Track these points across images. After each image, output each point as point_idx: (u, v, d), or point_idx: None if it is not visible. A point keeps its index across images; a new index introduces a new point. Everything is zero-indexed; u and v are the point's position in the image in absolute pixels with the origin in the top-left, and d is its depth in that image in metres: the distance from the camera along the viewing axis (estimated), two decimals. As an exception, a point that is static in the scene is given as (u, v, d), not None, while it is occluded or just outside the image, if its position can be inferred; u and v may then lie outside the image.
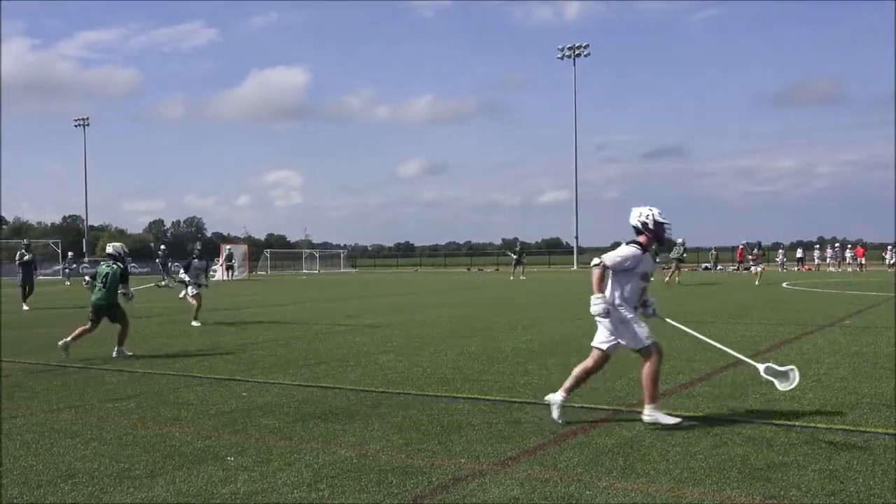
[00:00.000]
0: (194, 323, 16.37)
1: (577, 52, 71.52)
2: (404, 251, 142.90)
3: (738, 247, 58.12)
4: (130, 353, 11.69)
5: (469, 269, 77.48)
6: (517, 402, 7.92)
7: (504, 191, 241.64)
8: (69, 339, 11.58)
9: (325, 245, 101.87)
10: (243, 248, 62.41)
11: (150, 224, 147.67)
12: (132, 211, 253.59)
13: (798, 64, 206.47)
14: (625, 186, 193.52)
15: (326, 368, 10.32)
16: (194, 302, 16.81)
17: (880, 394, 8.10)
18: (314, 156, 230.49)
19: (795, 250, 63.87)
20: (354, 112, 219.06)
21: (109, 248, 12.42)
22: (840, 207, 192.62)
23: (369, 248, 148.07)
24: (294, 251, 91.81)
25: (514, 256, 48.20)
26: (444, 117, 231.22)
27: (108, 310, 11.78)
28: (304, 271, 76.01)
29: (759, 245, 38.23)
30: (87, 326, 11.76)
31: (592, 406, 7.63)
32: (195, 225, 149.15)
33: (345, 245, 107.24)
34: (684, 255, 38.24)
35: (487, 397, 8.19)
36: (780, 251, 62.05)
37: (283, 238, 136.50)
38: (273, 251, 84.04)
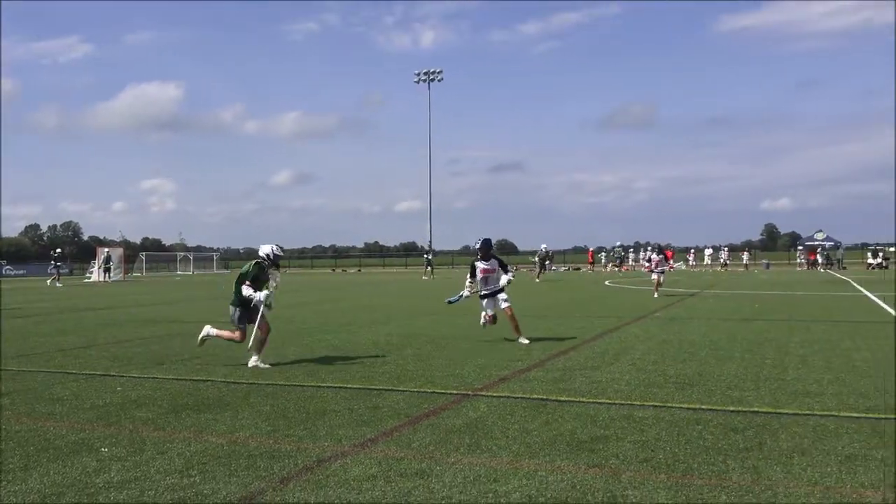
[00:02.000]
0: None
1: (431, 77, 72.32)
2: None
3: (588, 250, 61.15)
4: (265, 365, 9.48)
5: (334, 270, 76.73)
6: (376, 389, 7.89)
7: (366, 199, 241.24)
8: (254, 350, 9.56)
9: (199, 248, 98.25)
10: (119, 251, 59.20)
11: (26, 228, 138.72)
12: (7, 215, 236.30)
13: (621, 92, 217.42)
14: (473, 197, 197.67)
15: (199, 363, 9.94)
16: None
17: (685, 375, 8.57)
18: (189, 165, 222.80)
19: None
20: (227, 125, 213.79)
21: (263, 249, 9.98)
22: (656, 216, 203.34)
23: (241, 251, 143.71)
24: (169, 254, 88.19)
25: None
26: (311, 132, 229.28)
27: (243, 309, 9.64)
28: (179, 273, 73.06)
29: (658, 249, 24.77)
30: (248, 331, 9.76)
31: (443, 391, 7.70)
32: (72, 229, 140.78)
33: (218, 248, 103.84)
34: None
35: (349, 385, 8.12)
36: (603, 254, 64.99)
37: (158, 242, 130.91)
38: (149, 254, 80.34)
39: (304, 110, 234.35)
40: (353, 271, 73.19)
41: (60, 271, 42.77)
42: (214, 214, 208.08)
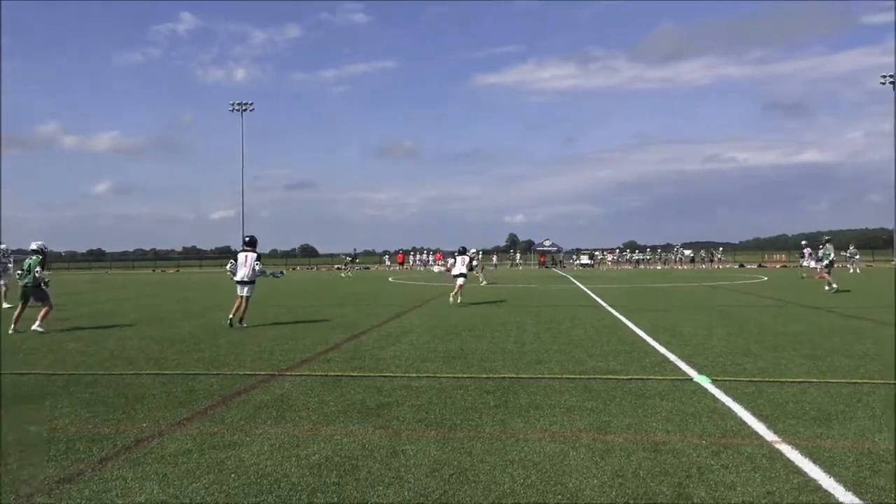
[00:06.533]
0: None
1: (244, 107, 69.03)
2: (97, 256, 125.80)
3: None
4: (42, 330, 11.27)
5: (154, 271, 70.72)
6: (192, 373, 7.33)
7: (182, 208, 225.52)
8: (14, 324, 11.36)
9: (19, 251, 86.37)
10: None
11: None
12: None
13: (391, 130, 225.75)
14: (274, 209, 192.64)
15: (21, 357, 8.69)
16: None
17: (450, 350, 8.79)
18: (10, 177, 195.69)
19: (395, 255, 67.68)
20: (46, 140, 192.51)
21: (33, 245, 11.67)
22: (425, 226, 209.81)
23: (63, 254, 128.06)
24: (-10, 257, 76.51)
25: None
26: (129, 149, 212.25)
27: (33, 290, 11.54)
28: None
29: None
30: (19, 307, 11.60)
31: (252, 373, 7.33)
32: None
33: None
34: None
35: (167, 372, 7.48)
36: (386, 257, 65.91)
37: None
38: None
39: (122, 130, 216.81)
40: (171, 271, 67.94)
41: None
42: (35, 220, 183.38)
